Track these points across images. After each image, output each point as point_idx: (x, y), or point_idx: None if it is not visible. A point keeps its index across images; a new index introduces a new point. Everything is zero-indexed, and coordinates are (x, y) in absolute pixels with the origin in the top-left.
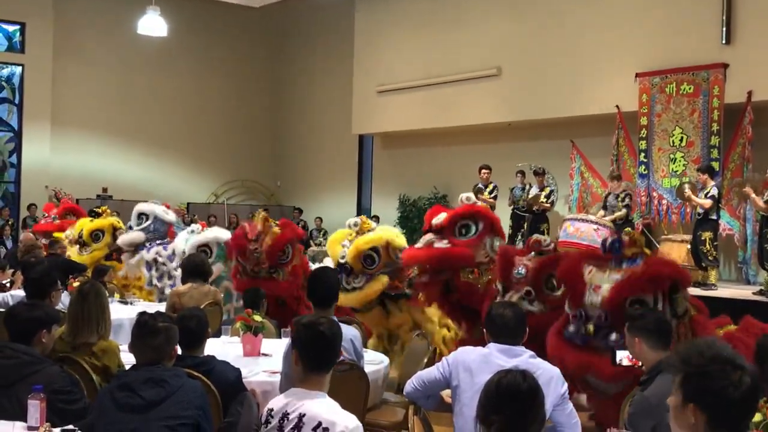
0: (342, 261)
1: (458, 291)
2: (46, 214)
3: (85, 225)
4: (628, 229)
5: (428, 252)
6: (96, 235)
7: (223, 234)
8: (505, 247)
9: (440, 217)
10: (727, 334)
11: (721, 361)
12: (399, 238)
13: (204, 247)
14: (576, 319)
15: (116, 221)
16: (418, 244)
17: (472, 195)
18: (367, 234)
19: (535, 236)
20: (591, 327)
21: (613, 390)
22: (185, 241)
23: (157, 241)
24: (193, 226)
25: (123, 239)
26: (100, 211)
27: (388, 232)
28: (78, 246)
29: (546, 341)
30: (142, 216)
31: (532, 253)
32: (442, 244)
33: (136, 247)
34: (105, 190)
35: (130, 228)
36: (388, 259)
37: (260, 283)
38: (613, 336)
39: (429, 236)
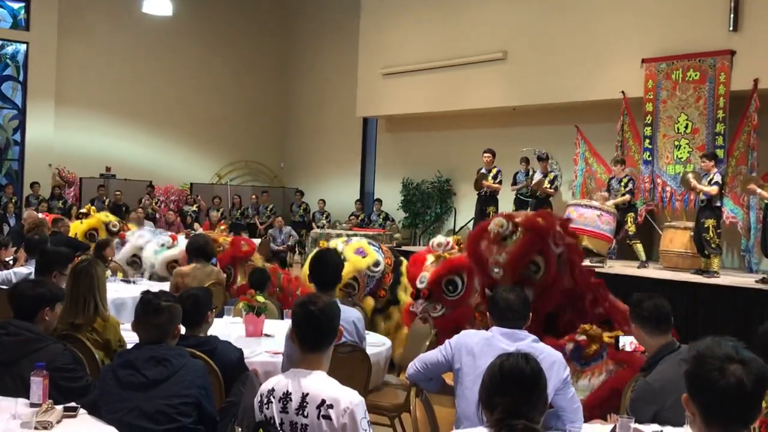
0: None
1: None
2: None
3: (77, 228)
4: (586, 327)
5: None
6: (91, 235)
7: None
8: (470, 244)
9: (423, 282)
10: None
11: (716, 352)
12: (365, 260)
13: (174, 263)
14: None
15: (104, 215)
16: (412, 309)
17: (441, 239)
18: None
19: (490, 227)
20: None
21: None
22: (155, 253)
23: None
24: (163, 239)
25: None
26: (85, 211)
27: (356, 260)
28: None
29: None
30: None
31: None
32: (437, 312)
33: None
34: (108, 169)
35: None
36: (366, 279)
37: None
38: None
39: (421, 304)
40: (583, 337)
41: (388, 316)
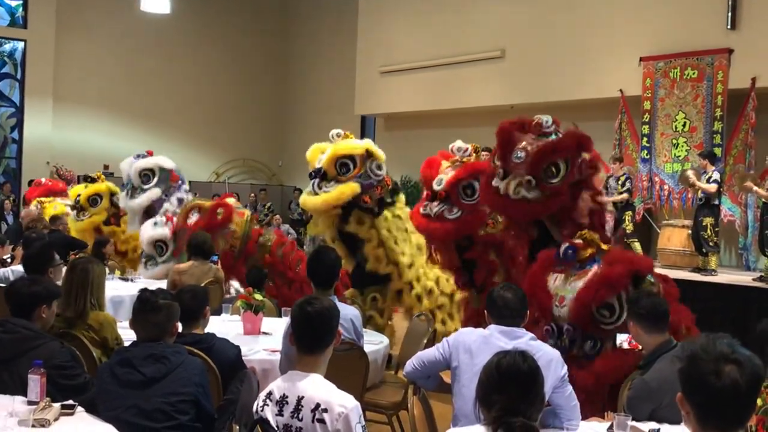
0: (318, 165)
1: (480, 246)
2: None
3: (81, 190)
4: (583, 232)
5: (444, 226)
6: (93, 199)
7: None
8: (505, 124)
9: (441, 183)
10: None
11: (712, 352)
12: (379, 153)
13: (161, 243)
14: (549, 333)
15: (112, 186)
16: (424, 210)
17: (461, 144)
18: (348, 141)
19: (537, 117)
20: (566, 339)
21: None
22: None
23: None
24: (157, 218)
25: (141, 200)
26: (95, 176)
27: (369, 143)
28: (75, 212)
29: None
30: (146, 173)
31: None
32: (453, 214)
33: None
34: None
35: (130, 192)
36: (362, 171)
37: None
38: (589, 343)
39: (436, 206)
40: (580, 241)
41: (370, 224)
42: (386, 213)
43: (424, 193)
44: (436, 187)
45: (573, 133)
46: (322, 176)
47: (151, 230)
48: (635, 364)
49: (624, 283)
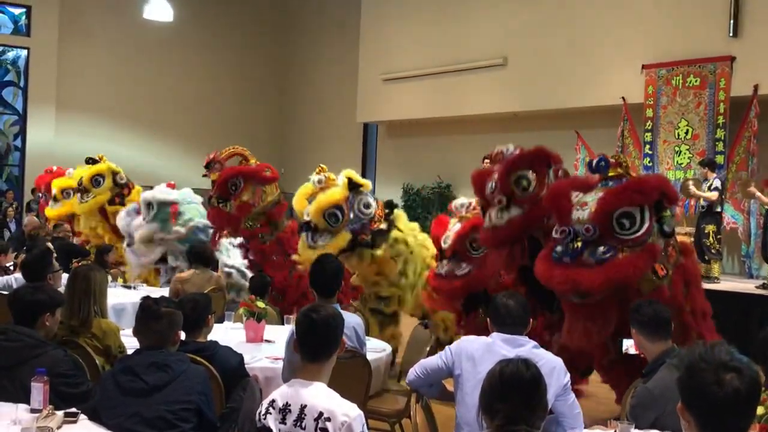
0: (306, 219)
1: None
2: (40, 194)
3: (83, 172)
4: (616, 155)
5: (452, 284)
6: (96, 180)
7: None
8: (474, 173)
9: (447, 243)
10: None
11: (711, 361)
12: (362, 182)
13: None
14: (564, 237)
15: (114, 166)
16: (438, 270)
17: (463, 200)
18: (329, 191)
19: (498, 147)
20: (579, 242)
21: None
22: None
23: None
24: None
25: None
26: (97, 157)
27: (349, 177)
28: (79, 194)
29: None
30: (149, 206)
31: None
32: (462, 270)
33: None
34: None
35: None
36: (351, 216)
37: (209, 211)
38: (601, 248)
39: (446, 265)
40: (613, 159)
41: (359, 255)
42: (384, 246)
43: (436, 254)
44: (444, 245)
45: (534, 147)
46: (314, 229)
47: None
48: (647, 269)
49: (654, 194)
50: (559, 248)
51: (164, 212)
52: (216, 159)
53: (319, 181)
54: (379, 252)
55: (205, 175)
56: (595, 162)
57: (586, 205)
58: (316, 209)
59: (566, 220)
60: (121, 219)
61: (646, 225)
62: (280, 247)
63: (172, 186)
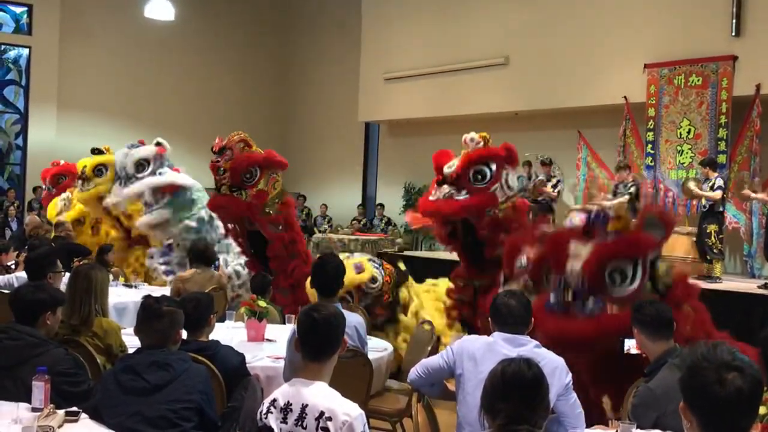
0: None
1: (484, 229)
2: (44, 187)
3: (87, 161)
4: (618, 204)
5: (451, 205)
6: (99, 170)
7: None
8: (512, 238)
9: (452, 166)
10: None
11: (713, 360)
12: (364, 275)
13: (142, 161)
14: (556, 287)
15: None
16: (434, 196)
17: (475, 135)
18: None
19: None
20: (570, 293)
21: (597, 349)
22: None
23: None
24: (132, 142)
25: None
26: (103, 149)
27: (350, 275)
28: (81, 182)
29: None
30: (142, 164)
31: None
32: (462, 195)
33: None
34: None
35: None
36: (362, 295)
37: (220, 199)
38: (591, 302)
39: (446, 188)
40: (613, 212)
41: (394, 332)
42: (403, 318)
43: (433, 181)
44: (446, 170)
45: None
46: None
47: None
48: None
49: (647, 249)
50: (552, 299)
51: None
52: (228, 146)
53: None
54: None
55: (216, 162)
56: (593, 215)
57: (580, 257)
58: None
59: (561, 270)
60: (119, 158)
61: (637, 281)
62: (291, 233)
63: (177, 171)
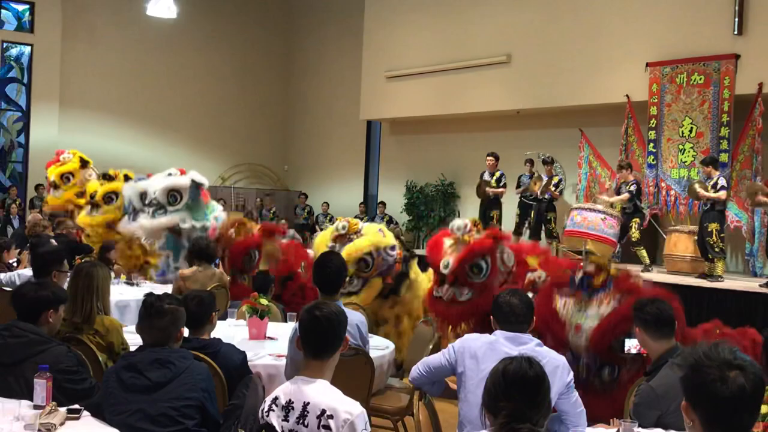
0: None
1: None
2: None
3: (96, 186)
4: (592, 256)
5: (457, 310)
6: (109, 197)
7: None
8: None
9: (448, 267)
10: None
11: (715, 359)
12: (386, 239)
13: (175, 192)
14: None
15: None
16: (437, 294)
17: (459, 222)
18: (357, 241)
19: (451, 224)
20: (583, 368)
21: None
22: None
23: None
24: (171, 170)
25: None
26: (113, 174)
27: (377, 236)
28: (90, 207)
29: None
30: (174, 195)
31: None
32: (464, 295)
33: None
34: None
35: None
36: (380, 261)
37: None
38: (606, 370)
39: (447, 290)
40: (591, 267)
41: (392, 302)
42: (404, 294)
43: (433, 276)
44: (443, 270)
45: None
46: None
47: (166, 179)
48: None
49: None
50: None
51: (195, 198)
52: (222, 233)
53: (343, 227)
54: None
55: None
56: (578, 281)
57: (580, 329)
58: (348, 257)
59: (564, 344)
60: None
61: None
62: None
63: (182, 172)
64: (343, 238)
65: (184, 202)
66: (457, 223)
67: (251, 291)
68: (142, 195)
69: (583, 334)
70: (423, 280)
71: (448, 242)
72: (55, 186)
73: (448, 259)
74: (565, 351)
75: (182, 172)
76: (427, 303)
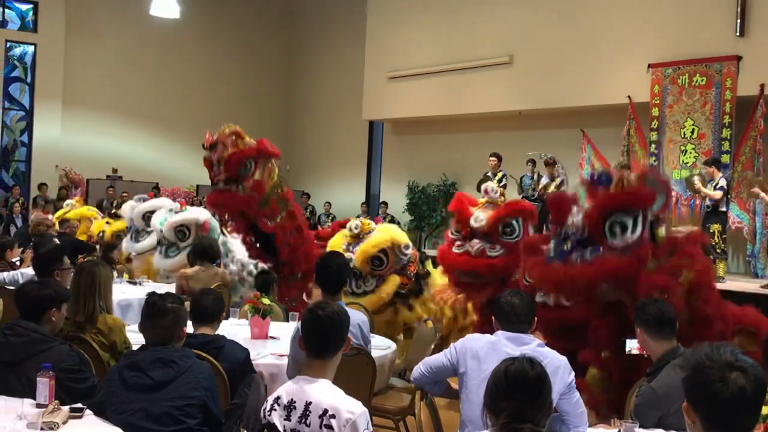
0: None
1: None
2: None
3: (101, 226)
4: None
5: (487, 262)
6: (118, 236)
7: (202, 214)
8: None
9: (482, 221)
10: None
11: (716, 360)
12: (402, 237)
13: (182, 227)
14: (556, 237)
15: None
16: (460, 249)
17: (493, 185)
18: (372, 237)
19: (484, 186)
20: (569, 244)
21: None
22: (163, 219)
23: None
24: (172, 205)
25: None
26: (119, 213)
27: (390, 231)
28: (98, 246)
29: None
30: (182, 231)
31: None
32: (495, 251)
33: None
34: (115, 170)
35: (136, 234)
36: (395, 259)
37: (217, 196)
38: (588, 252)
39: (477, 242)
40: (616, 171)
41: (409, 307)
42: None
43: (451, 231)
44: (474, 224)
45: (523, 203)
46: (357, 276)
47: (171, 217)
48: (633, 271)
49: (647, 202)
50: (550, 249)
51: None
52: (220, 140)
53: (356, 227)
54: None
55: (209, 157)
56: (597, 175)
57: (582, 208)
58: (362, 257)
59: (561, 221)
60: (126, 212)
61: (637, 233)
62: (293, 221)
63: (182, 204)
64: (356, 238)
65: (193, 237)
66: (490, 185)
67: (247, 200)
68: (145, 216)
69: (583, 211)
70: (437, 278)
71: (481, 201)
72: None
73: (481, 213)
74: (557, 225)
75: (182, 205)
76: (446, 258)
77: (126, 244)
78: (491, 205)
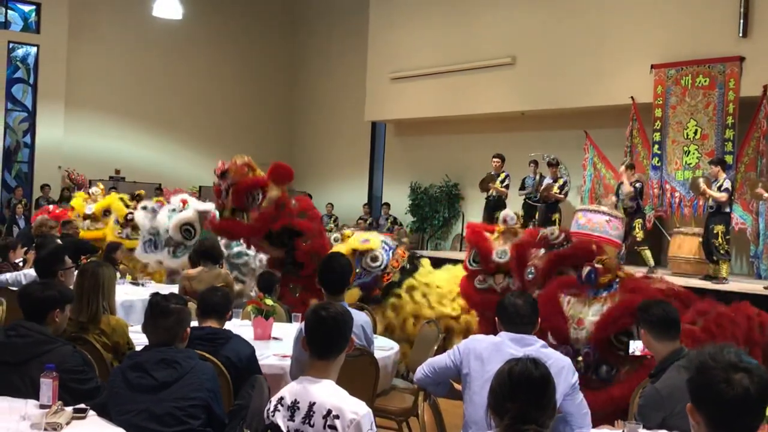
0: None
1: None
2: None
3: (117, 205)
4: (603, 257)
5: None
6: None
7: (204, 207)
8: (518, 244)
9: (504, 255)
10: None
11: (720, 361)
12: (362, 246)
13: (187, 225)
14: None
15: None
16: (483, 284)
17: (512, 213)
18: (337, 246)
19: (542, 231)
20: (580, 362)
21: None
22: (167, 218)
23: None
24: (174, 204)
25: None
26: (139, 193)
27: (349, 242)
28: (89, 220)
29: None
30: (188, 229)
31: (542, 250)
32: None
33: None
34: (117, 171)
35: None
36: (361, 270)
37: (222, 224)
38: (604, 368)
39: (502, 280)
40: (600, 265)
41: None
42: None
43: (469, 260)
44: (497, 259)
45: (551, 291)
46: None
47: (174, 216)
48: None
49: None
50: None
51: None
52: (231, 168)
53: (335, 240)
54: (393, 300)
55: (219, 185)
56: (585, 274)
57: (582, 323)
58: None
59: (565, 340)
60: (141, 217)
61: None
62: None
63: (185, 202)
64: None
65: (199, 234)
66: (509, 213)
67: (250, 229)
68: (183, 228)
69: (585, 328)
70: (434, 280)
71: (496, 232)
72: (94, 219)
73: (503, 248)
74: (565, 346)
75: (184, 203)
76: (470, 295)
77: (148, 254)
78: (510, 234)
